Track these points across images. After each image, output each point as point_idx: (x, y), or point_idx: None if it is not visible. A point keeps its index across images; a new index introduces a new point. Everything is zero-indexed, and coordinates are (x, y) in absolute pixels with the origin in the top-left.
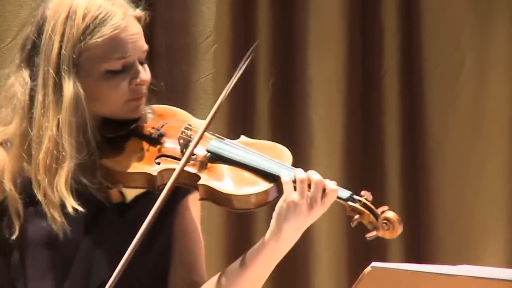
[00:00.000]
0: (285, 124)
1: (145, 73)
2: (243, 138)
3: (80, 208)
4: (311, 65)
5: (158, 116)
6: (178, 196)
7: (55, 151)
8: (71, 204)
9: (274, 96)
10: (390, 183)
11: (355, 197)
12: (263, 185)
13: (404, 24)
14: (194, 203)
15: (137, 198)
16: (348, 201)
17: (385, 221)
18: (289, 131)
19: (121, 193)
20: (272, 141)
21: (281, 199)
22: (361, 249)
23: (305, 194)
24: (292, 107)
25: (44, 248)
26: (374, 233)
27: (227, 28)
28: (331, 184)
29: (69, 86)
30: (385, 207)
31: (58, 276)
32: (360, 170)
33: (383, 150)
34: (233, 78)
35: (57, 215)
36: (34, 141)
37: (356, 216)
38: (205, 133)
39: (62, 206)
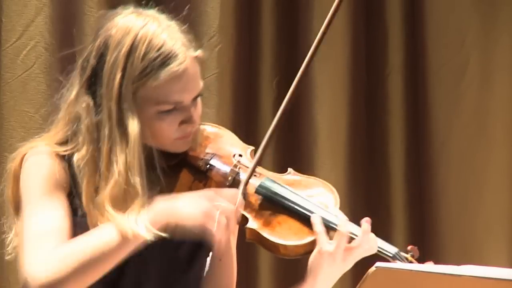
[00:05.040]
0: (289, 124)
1: (196, 114)
2: (291, 173)
3: (153, 239)
4: (315, 65)
5: (205, 139)
6: None
7: (125, 186)
8: (148, 238)
9: (278, 95)
10: (394, 183)
11: (402, 254)
12: (312, 236)
13: (408, 24)
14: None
15: None
16: (396, 259)
17: None
18: (293, 131)
19: None
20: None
21: (316, 250)
22: None
23: (341, 246)
24: (296, 107)
25: None
26: None
27: (232, 28)
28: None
29: (133, 123)
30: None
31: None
32: (364, 170)
33: (387, 150)
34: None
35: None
36: (103, 174)
37: None
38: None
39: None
